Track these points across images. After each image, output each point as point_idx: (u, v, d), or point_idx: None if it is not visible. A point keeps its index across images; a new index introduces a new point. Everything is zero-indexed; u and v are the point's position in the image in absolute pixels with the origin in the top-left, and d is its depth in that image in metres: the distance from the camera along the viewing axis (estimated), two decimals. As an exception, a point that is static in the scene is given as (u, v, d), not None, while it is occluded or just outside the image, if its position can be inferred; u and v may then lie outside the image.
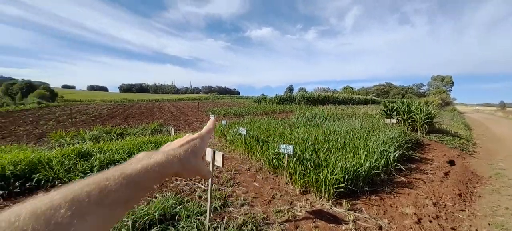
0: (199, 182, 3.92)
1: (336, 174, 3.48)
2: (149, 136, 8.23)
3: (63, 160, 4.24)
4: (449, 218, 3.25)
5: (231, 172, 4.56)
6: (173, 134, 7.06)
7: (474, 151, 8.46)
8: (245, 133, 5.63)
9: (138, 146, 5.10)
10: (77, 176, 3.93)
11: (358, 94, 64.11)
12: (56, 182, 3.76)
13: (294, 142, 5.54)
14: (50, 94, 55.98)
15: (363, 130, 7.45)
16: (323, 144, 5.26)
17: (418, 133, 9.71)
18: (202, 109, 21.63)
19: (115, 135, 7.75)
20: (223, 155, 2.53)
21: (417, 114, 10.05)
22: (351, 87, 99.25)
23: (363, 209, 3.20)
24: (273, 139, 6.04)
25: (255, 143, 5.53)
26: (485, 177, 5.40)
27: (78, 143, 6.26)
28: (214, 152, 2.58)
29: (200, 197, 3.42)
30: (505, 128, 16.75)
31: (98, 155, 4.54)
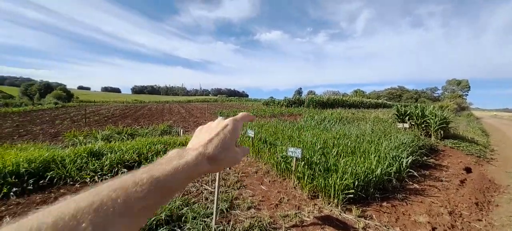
0: (206, 184, 3.92)
1: (345, 179, 3.39)
2: (159, 136, 8.36)
3: (75, 158, 4.36)
4: (465, 228, 3.09)
5: (238, 174, 4.54)
6: (181, 135, 7.14)
7: (491, 158, 8.06)
8: (252, 135, 5.61)
9: (147, 146, 5.18)
10: (88, 175, 4.03)
11: (369, 98, 62.83)
12: (68, 180, 3.87)
13: (302, 145, 5.46)
14: (66, 95, 58.29)
15: (374, 134, 7.26)
16: (332, 148, 5.16)
17: (432, 138, 9.36)
18: (211, 111, 21.82)
19: (126, 135, 7.92)
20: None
21: (431, 119, 9.70)
22: (362, 91, 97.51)
23: (374, 216, 3.09)
24: (281, 142, 5.98)
25: (262, 146, 5.49)
26: (503, 185, 5.12)
27: (91, 142, 6.44)
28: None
29: (206, 198, 3.41)
30: None
31: (109, 155, 4.64)
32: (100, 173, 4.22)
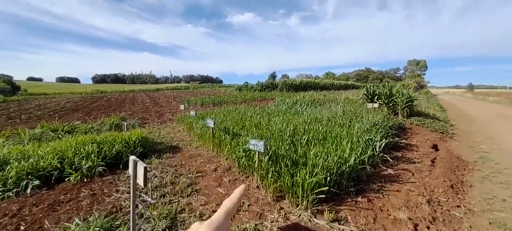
0: (145, 194, 3.07)
1: (316, 174, 2.81)
2: (107, 131, 7.11)
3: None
4: (446, 219, 2.74)
5: (193, 174, 3.75)
6: (125, 130, 6.03)
7: (453, 133, 8.38)
8: (212, 126, 4.80)
9: (75, 148, 4.08)
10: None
11: (339, 80, 65.15)
12: None
13: (270, 133, 4.82)
14: (11, 88, 50.62)
15: (345, 116, 6.93)
16: (302, 135, 4.60)
17: (399, 117, 9.49)
18: (180, 100, 20.28)
19: (62, 132, 6.55)
20: (145, 168, 1.69)
21: (399, 97, 9.79)
22: (332, 73, 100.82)
23: (349, 217, 2.58)
24: (248, 131, 5.29)
25: (224, 137, 4.73)
26: (470, 161, 5.11)
27: (11, 145, 5.07)
28: (135, 164, 1.74)
29: (142, 215, 2.60)
30: (475, 108, 17.45)
31: (16, 164, 3.49)
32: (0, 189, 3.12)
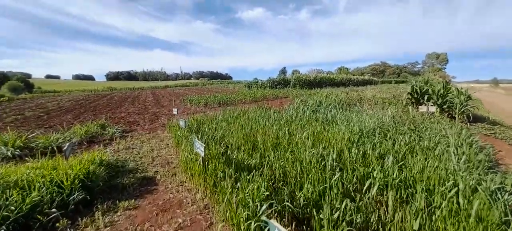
0: None
1: None
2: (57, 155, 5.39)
3: None
4: None
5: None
6: (115, 140, 4.21)
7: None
8: (202, 153, 2.87)
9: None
10: None
11: (354, 75, 61.57)
12: None
13: (297, 164, 2.85)
14: (25, 86, 51.37)
15: (398, 127, 4.80)
16: (365, 177, 2.58)
17: (457, 122, 7.19)
18: (185, 97, 18.58)
19: (13, 148, 4.87)
20: None
21: (456, 97, 7.46)
22: (346, 68, 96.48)
23: None
24: (261, 155, 3.34)
25: (222, 174, 2.79)
26: None
27: None
28: None
29: None
30: None
31: None
32: None
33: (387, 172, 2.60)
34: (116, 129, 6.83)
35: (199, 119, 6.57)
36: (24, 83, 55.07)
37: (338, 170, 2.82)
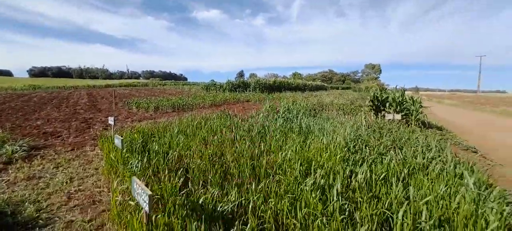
0: None
1: None
2: None
3: None
4: None
5: None
6: (15, 163, 2.53)
7: (474, 148, 6.68)
8: (146, 206, 1.71)
9: None
10: None
11: (307, 80, 65.62)
12: None
13: (297, 206, 1.99)
14: None
15: (376, 136, 4.49)
16: (382, 216, 1.88)
17: (413, 127, 7.60)
18: (130, 100, 15.85)
19: None
20: None
21: (412, 105, 7.92)
22: (299, 74, 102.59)
23: None
24: (238, 189, 2.37)
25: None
26: None
27: None
28: None
29: None
30: (445, 112, 17.04)
31: None
32: None
33: (414, 209, 1.97)
34: (19, 146, 4.78)
35: (146, 130, 5.12)
36: None
37: (346, 206, 2.08)
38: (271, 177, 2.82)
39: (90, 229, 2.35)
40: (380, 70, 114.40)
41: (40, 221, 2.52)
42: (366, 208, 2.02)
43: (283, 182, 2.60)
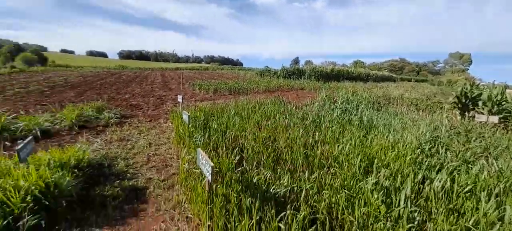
0: None
1: None
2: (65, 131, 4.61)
3: None
4: None
5: None
6: (111, 127, 3.37)
7: None
8: (209, 176, 1.90)
9: None
10: None
11: (372, 70, 58.80)
12: None
13: (356, 204, 1.85)
14: (39, 59, 51.85)
15: (461, 140, 3.68)
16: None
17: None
18: (194, 82, 17.65)
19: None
20: None
21: (518, 106, 6.14)
22: (361, 62, 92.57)
23: None
24: (291, 175, 2.36)
25: (239, 206, 1.85)
26: None
27: None
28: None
29: None
30: None
31: None
32: None
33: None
34: (114, 114, 6.00)
35: (207, 110, 5.61)
36: (38, 56, 55.64)
37: (416, 214, 1.82)
38: (325, 168, 2.71)
39: (164, 187, 2.80)
40: (471, 61, 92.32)
41: (128, 174, 3.13)
42: (443, 221, 1.71)
43: (338, 176, 2.45)
